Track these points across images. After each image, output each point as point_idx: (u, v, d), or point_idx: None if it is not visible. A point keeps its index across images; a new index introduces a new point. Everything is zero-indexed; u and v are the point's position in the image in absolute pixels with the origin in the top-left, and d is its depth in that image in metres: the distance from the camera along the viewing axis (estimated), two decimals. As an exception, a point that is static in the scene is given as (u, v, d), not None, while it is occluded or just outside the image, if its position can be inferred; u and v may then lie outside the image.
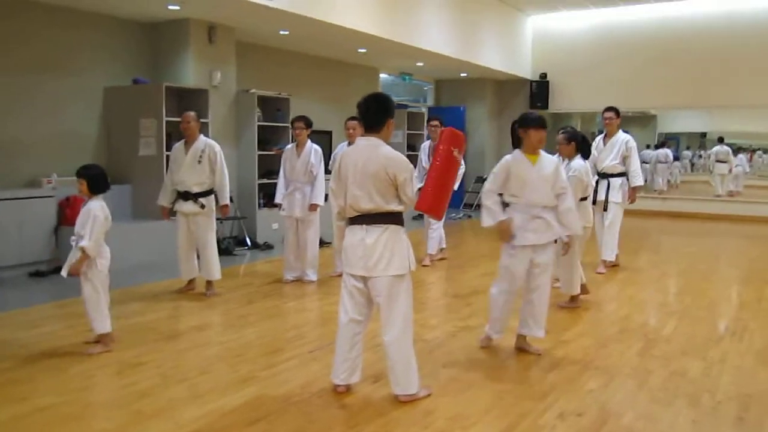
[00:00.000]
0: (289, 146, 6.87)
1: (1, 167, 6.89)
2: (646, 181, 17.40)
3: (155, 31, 8.48)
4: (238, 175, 8.97)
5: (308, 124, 6.73)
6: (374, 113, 3.57)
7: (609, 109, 7.37)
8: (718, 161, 14.92)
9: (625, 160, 7.24)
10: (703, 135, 17.09)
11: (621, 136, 7.31)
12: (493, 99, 14.62)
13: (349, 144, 6.45)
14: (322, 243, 8.99)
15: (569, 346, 4.70)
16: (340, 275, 3.90)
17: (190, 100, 8.22)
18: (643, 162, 17.57)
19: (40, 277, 6.88)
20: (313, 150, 6.70)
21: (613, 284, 6.90)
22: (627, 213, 7.66)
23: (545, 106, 14.01)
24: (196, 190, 5.95)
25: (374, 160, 3.48)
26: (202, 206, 5.96)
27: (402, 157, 3.57)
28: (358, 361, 3.72)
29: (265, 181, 9.01)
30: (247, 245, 8.71)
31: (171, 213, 6.29)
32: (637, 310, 5.84)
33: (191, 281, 6.26)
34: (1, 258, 6.64)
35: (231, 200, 8.82)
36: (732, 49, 12.33)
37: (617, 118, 7.30)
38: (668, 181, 16.13)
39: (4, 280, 6.58)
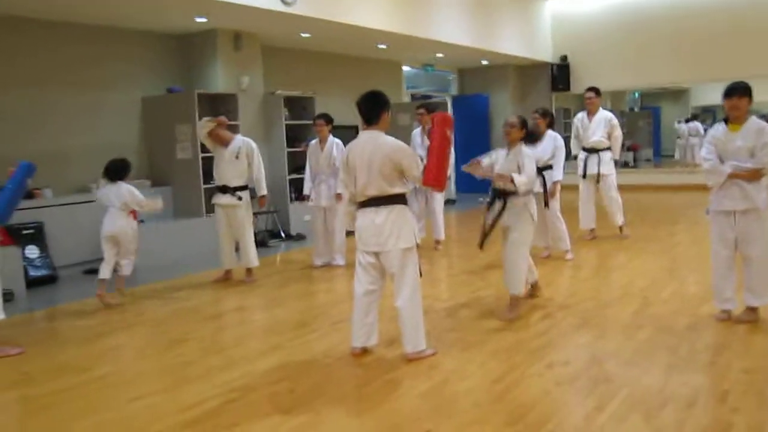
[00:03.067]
0: (313, 142, 7.42)
1: (53, 176, 7.56)
2: (676, 156, 17.54)
3: (186, 42, 9.10)
4: (269, 172, 9.52)
5: (328, 120, 7.28)
6: (370, 109, 4.08)
7: (590, 89, 8.01)
8: None
9: (609, 136, 7.88)
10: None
11: (603, 113, 7.96)
12: (516, 84, 14.89)
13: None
14: (349, 232, 9.54)
15: (571, 309, 5.12)
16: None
17: (221, 104, 8.82)
18: (677, 137, 17.70)
19: (93, 274, 7.55)
20: (335, 144, 7.24)
21: (626, 253, 7.25)
22: (658, 188, 8.20)
23: (567, 88, 14.25)
24: (234, 183, 6.54)
25: (378, 150, 3.98)
26: (240, 198, 6.54)
27: (402, 144, 4.09)
28: (374, 327, 4.25)
29: (295, 176, 9.56)
30: (281, 237, 9.29)
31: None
32: (643, 276, 6.18)
33: (228, 271, 6.80)
34: (58, 258, 7.33)
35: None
36: (759, 17, 12.30)
37: (597, 97, 7.93)
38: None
39: (62, 278, 7.28)
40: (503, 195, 4.83)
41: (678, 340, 4.29)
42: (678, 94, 19.78)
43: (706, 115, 19.04)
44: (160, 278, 7.07)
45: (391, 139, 4.07)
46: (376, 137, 4.06)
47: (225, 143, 6.62)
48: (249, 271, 6.74)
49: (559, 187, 6.63)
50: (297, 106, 9.78)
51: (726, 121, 4.50)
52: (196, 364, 4.26)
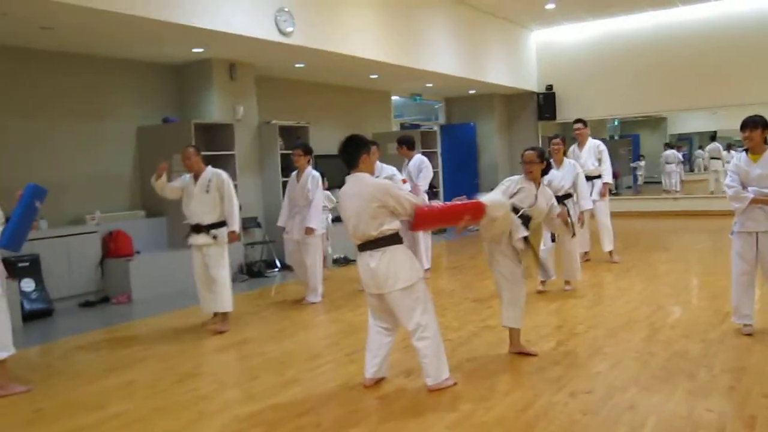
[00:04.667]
0: (293, 173, 7.22)
1: (49, 207, 7.42)
2: (661, 182, 17.86)
3: (181, 72, 9.11)
4: (264, 202, 9.55)
5: (307, 150, 7.08)
6: (348, 154, 4.10)
7: (577, 121, 8.39)
8: (712, 158, 15.43)
9: (599, 162, 8.22)
10: (714, 134, 17.42)
11: (592, 142, 8.34)
12: (502, 113, 15.10)
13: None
14: (348, 260, 9.53)
15: (581, 337, 5.15)
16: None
17: (216, 134, 8.83)
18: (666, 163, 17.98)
19: (89, 306, 7.45)
20: (310, 176, 6.98)
21: (624, 280, 7.34)
22: (641, 215, 8.34)
23: (553, 117, 14.49)
24: (207, 220, 5.93)
25: (363, 191, 3.98)
26: (215, 237, 5.93)
27: (385, 183, 4.13)
28: (386, 359, 4.24)
29: (290, 205, 9.54)
30: (276, 267, 9.24)
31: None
32: (645, 302, 6.24)
33: (216, 314, 6.16)
34: (53, 290, 7.21)
35: (259, 225, 9.43)
36: (731, 49, 12.73)
37: (585, 128, 8.31)
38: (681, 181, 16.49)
39: (58, 311, 7.15)
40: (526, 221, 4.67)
41: (693, 365, 4.33)
42: (656, 122, 20.20)
43: (683, 142, 19.49)
44: (158, 311, 6.98)
45: (374, 180, 4.10)
46: (359, 180, 4.05)
47: (196, 175, 6.06)
48: (222, 316, 6.06)
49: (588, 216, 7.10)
50: (291, 135, 9.80)
51: (747, 150, 4.83)
52: (213, 399, 4.20)
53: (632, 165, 17.96)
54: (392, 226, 3.99)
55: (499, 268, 4.62)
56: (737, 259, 4.93)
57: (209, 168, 6.12)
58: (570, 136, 8.57)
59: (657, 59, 13.44)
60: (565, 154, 7.14)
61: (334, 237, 8.84)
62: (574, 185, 6.95)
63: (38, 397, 4.40)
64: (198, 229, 6.00)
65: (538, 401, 3.82)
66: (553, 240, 6.29)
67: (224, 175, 6.08)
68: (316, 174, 7.06)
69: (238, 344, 5.57)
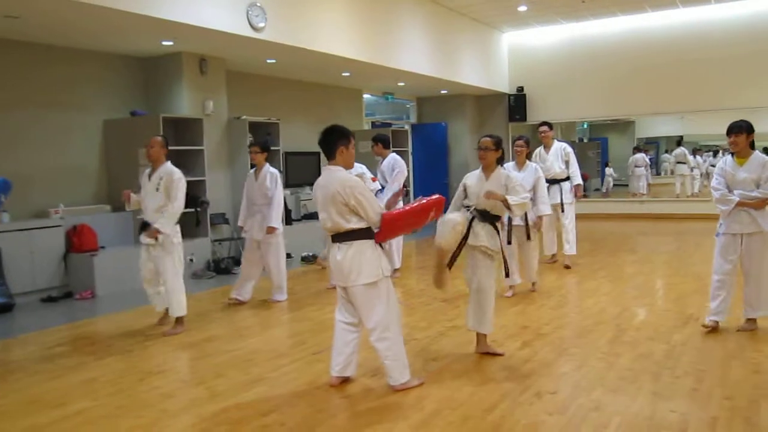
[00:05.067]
0: (251, 171, 7.06)
1: (11, 199, 7.27)
2: (628, 185, 18.10)
3: (151, 64, 8.96)
4: (233, 198, 9.43)
5: (264, 148, 6.93)
6: (327, 144, 4.07)
7: (543, 123, 8.42)
8: (678, 162, 15.74)
9: (567, 164, 8.19)
10: (680, 139, 17.71)
11: (558, 144, 8.33)
12: (474, 113, 15.17)
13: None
14: (310, 258, 9.51)
15: (548, 338, 5.18)
16: (334, 288, 4.36)
17: (185, 128, 8.70)
18: (636, 166, 18.19)
19: (52, 302, 7.29)
20: (269, 174, 6.83)
21: (591, 282, 7.41)
22: (608, 216, 8.38)
23: (524, 119, 14.59)
24: (153, 219, 5.70)
25: (331, 185, 3.95)
26: (156, 238, 5.66)
27: (354, 181, 3.97)
28: (353, 357, 4.20)
29: (260, 202, 9.47)
30: (244, 264, 9.13)
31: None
32: (612, 304, 6.31)
33: (166, 311, 5.96)
34: (15, 285, 7.05)
35: (227, 222, 9.31)
36: (700, 55, 12.97)
37: (551, 131, 8.34)
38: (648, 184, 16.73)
39: (19, 306, 6.98)
40: (486, 217, 4.61)
41: (658, 367, 4.38)
42: (624, 126, 20.47)
43: (650, 146, 19.80)
44: (122, 307, 6.86)
45: (344, 175, 3.99)
46: (333, 172, 4.02)
47: (153, 168, 5.82)
48: (177, 319, 5.81)
49: (544, 220, 7.08)
50: (261, 131, 9.72)
51: (732, 154, 5.00)
52: (177, 397, 4.13)
53: (606, 172, 18.15)
54: (360, 224, 3.95)
55: (474, 271, 4.65)
56: (720, 260, 5.10)
57: (167, 164, 5.82)
58: (539, 138, 8.60)
59: (627, 64, 13.63)
60: (528, 156, 7.11)
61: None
62: (534, 188, 6.74)
63: (-4, 394, 4.29)
64: (144, 226, 5.79)
65: (503, 401, 3.83)
66: (509, 242, 5.99)
67: (176, 174, 5.75)
68: (275, 171, 6.91)
69: (201, 342, 5.48)
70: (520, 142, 6.91)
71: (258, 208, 6.88)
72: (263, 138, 9.13)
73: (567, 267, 8.22)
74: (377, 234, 3.99)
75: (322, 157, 4.18)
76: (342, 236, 3.97)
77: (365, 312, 4.02)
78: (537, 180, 6.84)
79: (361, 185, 3.99)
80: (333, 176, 3.99)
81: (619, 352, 4.73)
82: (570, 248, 8.27)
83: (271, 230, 6.76)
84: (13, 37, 7.43)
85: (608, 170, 18.19)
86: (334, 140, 4.06)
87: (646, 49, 13.44)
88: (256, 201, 6.88)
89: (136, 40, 7.98)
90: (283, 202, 7.08)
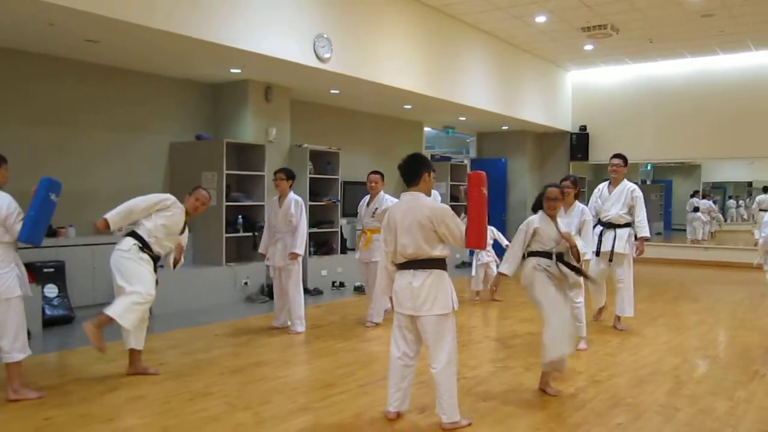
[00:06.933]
0: (275, 198, 7.07)
1: (77, 214, 7.52)
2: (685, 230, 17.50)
3: (218, 91, 9.22)
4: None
5: (289, 175, 6.93)
6: (410, 170, 4.10)
7: (616, 156, 7.12)
8: (761, 210, 15.00)
9: (630, 210, 7.00)
10: (749, 184, 17.13)
11: (627, 185, 7.06)
12: (534, 151, 15.03)
13: (371, 196, 7.18)
14: (363, 289, 9.48)
15: (602, 385, 5.01)
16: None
17: (248, 154, 8.89)
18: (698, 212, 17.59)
19: (110, 317, 7.45)
20: (293, 201, 6.81)
21: (650, 329, 7.14)
22: (668, 262, 7.94)
23: (585, 158, 14.38)
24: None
25: (418, 212, 3.96)
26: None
27: (442, 208, 4.04)
28: (408, 392, 4.17)
29: (316, 230, 9.58)
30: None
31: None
32: (671, 354, 6.07)
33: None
34: (76, 298, 7.26)
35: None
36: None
37: (624, 166, 7.06)
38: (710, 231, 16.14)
39: (78, 319, 7.16)
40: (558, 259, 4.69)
41: (719, 424, 4.17)
42: (690, 169, 19.94)
43: (716, 191, 19.22)
44: (178, 325, 6.98)
45: (431, 201, 4.07)
46: (416, 198, 4.05)
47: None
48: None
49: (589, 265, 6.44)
50: (322, 160, 9.84)
51: None
52: (224, 421, 4.14)
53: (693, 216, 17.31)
54: (445, 251, 4.01)
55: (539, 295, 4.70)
56: None
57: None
58: (600, 178, 8.07)
59: (693, 105, 13.32)
60: (576, 197, 6.36)
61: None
62: (579, 233, 6.10)
63: (50, 404, 4.38)
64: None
65: (554, 450, 3.70)
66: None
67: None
68: (299, 199, 6.87)
69: (251, 366, 5.51)
70: (567, 182, 6.28)
71: (281, 235, 6.86)
72: (325, 166, 9.23)
73: (616, 328, 7.13)
74: (468, 240, 3.97)
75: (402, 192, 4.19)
76: (422, 263, 3.98)
77: (434, 343, 3.98)
78: (583, 223, 6.22)
79: (450, 211, 4.03)
80: (419, 202, 4.01)
81: (678, 406, 4.52)
82: (622, 309, 7.04)
83: (293, 256, 6.72)
84: (85, 59, 7.75)
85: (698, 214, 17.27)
86: (418, 167, 4.11)
87: (713, 91, 13.12)
88: (279, 229, 6.87)
89: (206, 67, 8.23)
90: (306, 230, 6.99)
